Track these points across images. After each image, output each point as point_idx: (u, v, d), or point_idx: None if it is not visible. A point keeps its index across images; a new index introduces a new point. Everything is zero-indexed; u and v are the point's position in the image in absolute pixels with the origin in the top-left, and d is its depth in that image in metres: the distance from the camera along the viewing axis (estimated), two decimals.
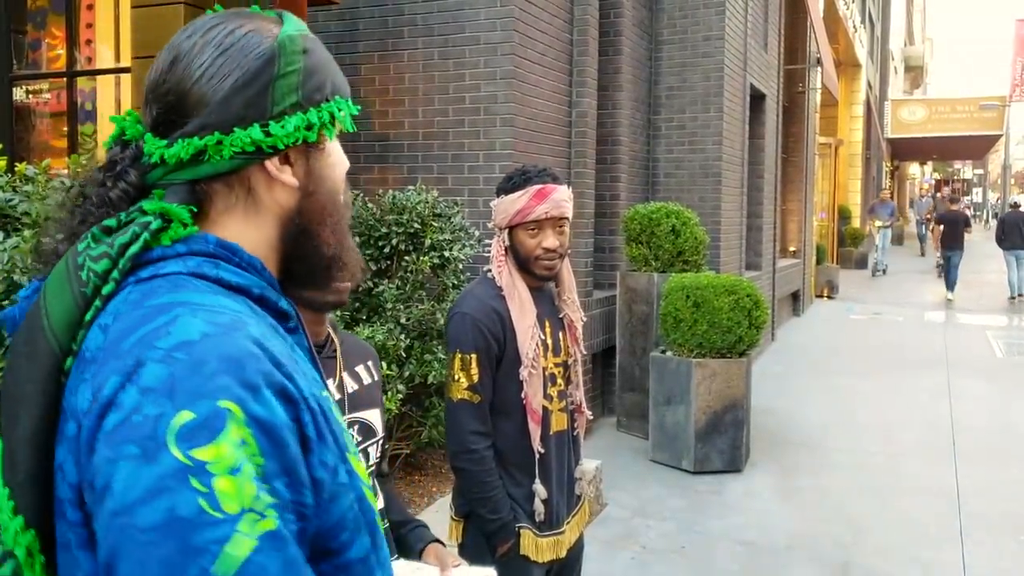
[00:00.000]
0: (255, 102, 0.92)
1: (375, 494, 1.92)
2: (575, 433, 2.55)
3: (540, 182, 2.32)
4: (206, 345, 0.80)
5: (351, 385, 1.89)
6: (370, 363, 1.99)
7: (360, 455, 1.87)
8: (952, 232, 16.11)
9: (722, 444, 5.82)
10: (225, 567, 0.74)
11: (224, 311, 0.86)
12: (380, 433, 1.95)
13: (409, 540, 2.01)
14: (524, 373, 2.32)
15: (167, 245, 0.91)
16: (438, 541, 2.03)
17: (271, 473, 0.80)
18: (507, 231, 2.37)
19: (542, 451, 2.37)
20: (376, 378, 1.99)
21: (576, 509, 2.56)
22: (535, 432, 2.35)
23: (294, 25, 0.98)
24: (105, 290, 0.88)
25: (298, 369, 0.90)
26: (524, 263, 2.36)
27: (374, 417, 1.94)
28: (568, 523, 2.50)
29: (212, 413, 0.77)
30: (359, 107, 1.04)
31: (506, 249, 2.38)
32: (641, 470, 5.84)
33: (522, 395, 2.33)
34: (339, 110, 1.00)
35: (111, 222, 0.92)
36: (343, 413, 1.84)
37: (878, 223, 19.97)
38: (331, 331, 1.89)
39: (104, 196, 0.94)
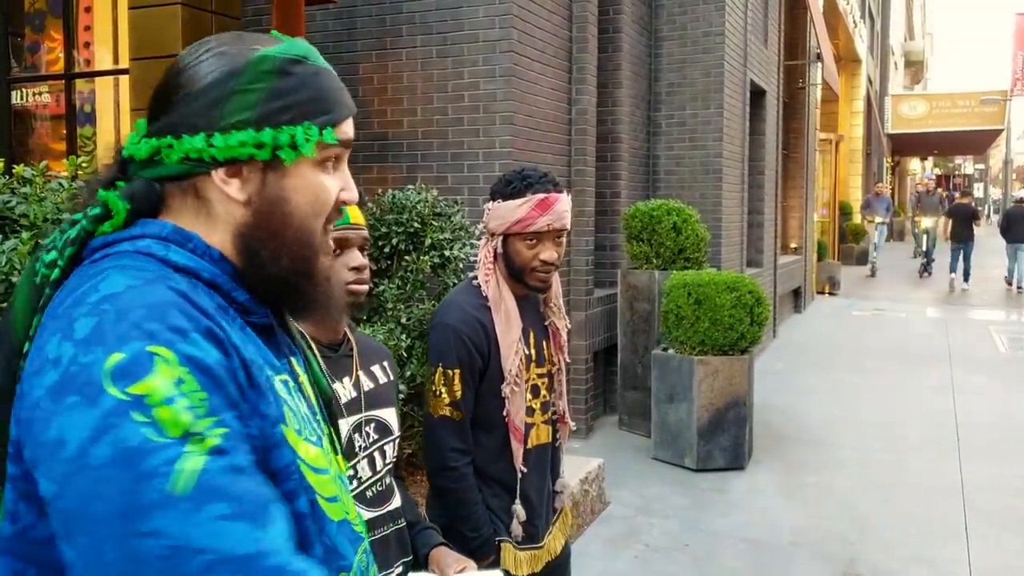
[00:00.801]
0: (206, 112, 0.96)
1: (392, 492, 1.94)
2: (557, 444, 2.46)
3: (542, 190, 2.19)
4: (130, 295, 0.86)
5: (367, 384, 1.92)
6: (386, 363, 2.01)
7: (378, 451, 1.90)
8: (961, 224, 16.65)
9: (725, 442, 5.80)
10: (180, 484, 0.79)
11: (148, 269, 0.92)
12: (396, 431, 1.96)
13: (416, 543, 2.01)
14: (507, 390, 2.24)
15: (120, 230, 0.98)
16: (444, 544, 2.02)
17: (217, 407, 0.85)
18: (500, 238, 2.24)
19: (524, 470, 2.30)
20: (391, 378, 2.01)
21: (555, 518, 2.49)
22: (517, 451, 2.27)
23: (285, 47, 1.00)
24: (52, 276, 0.95)
25: (241, 337, 0.95)
26: (517, 273, 2.24)
27: (390, 416, 1.95)
28: (550, 534, 2.44)
29: (139, 352, 0.82)
30: (336, 138, 1.02)
31: (495, 256, 2.27)
32: (643, 468, 5.82)
33: (503, 412, 2.26)
34: (306, 137, 0.99)
35: (78, 216, 0.99)
36: (360, 411, 1.87)
37: (878, 219, 19.20)
38: (348, 331, 1.93)
39: (95, 191, 1.01)
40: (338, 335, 1.90)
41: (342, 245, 1.86)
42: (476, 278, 2.30)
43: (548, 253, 2.22)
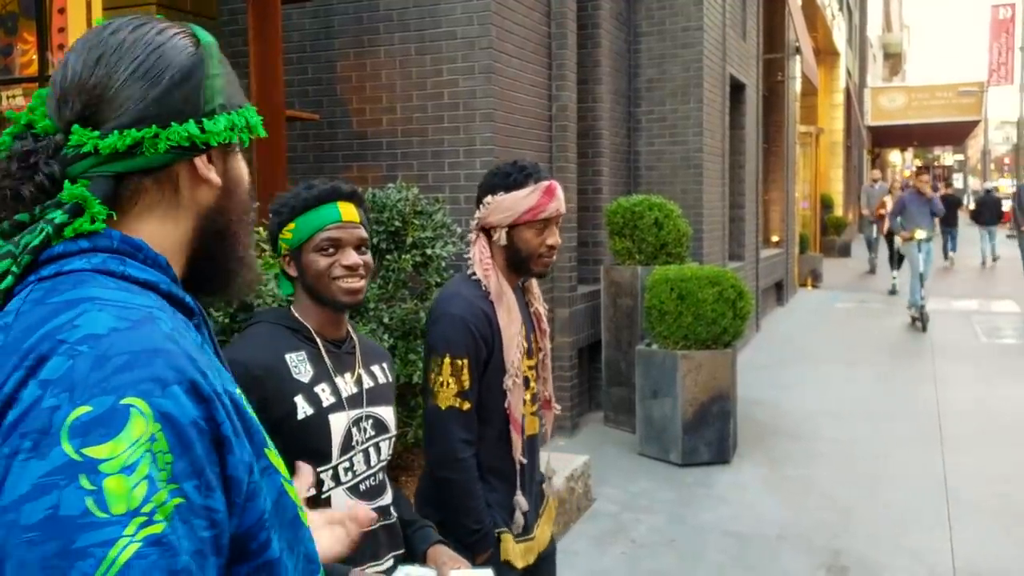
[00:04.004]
0: (191, 99, 0.95)
1: (384, 488, 1.98)
2: (543, 430, 2.49)
3: (543, 178, 2.27)
4: (113, 339, 0.79)
5: (368, 381, 1.97)
6: (385, 364, 2.07)
7: (373, 447, 1.92)
8: (948, 213, 17.93)
9: (709, 436, 5.81)
10: (106, 573, 0.71)
11: (134, 307, 0.85)
12: (393, 430, 2.00)
13: (414, 541, 2.03)
14: (509, 383, 2.26)
15: (70, 239, 0.90)
16: (442, 542, 2.05)
17: (180, 473, 0.77)
18: (505, 230, 2.28)
19: (524, 461, 2.32)
20: (390, 379, 2.06)
21: (542, 509, 2.50)
22: (517, 442, 2.29)
23: (207, 35, 1.02)
24: (2, 286, 0.87)
25: (210, 365, 0.88)
26: (524, 261, 2.30)
27: (387, 414, 2.00)
28: (538, 525, 2.45)
29: (111, 409, 0.75)
30: (260, 117, 1.07)
31: (492, 250, 2.31)
32: (629, 464, 5.82)
33: (505, 404, 2.27)
34: (251, 116, 1.03)
35: (23, 217, 0.90)
36: (361, 406, 1.92)
37: (921, 234, 17.61)
38: (350, 329, 2.00)
39: (16, 190, 0.91)
40: (342, 332, 1.96)
41: (335, 245, 1.88)
42: (473, 274, 2.32)
43: (554, 238, 2.31)
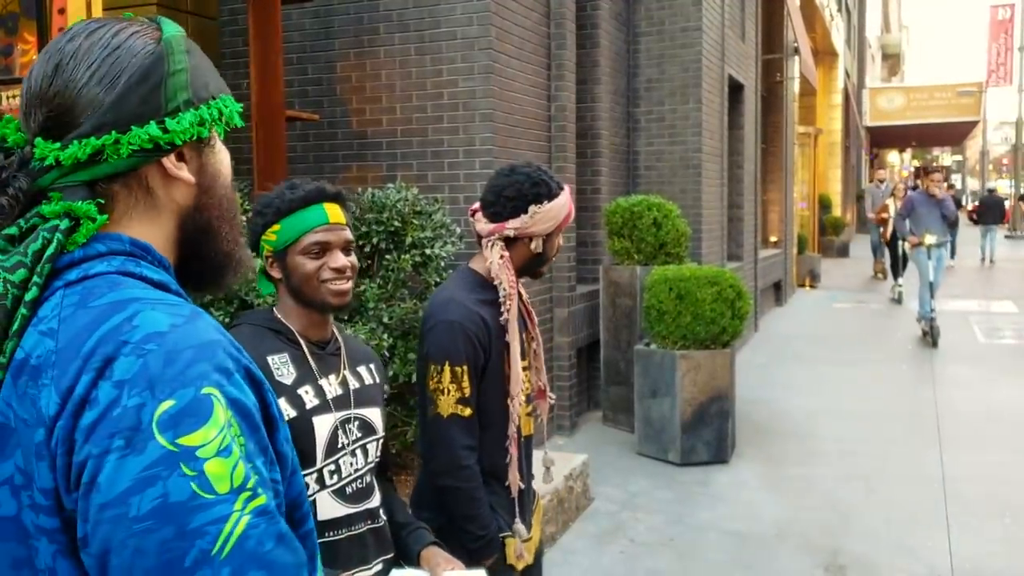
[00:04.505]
0: (149, 99, 0.93)
1: (372, 491, 1.97)
2: (539, 420, 2.49)
3: (559, 183, 2.31)
4: (176, 335, 0.82)
5: (353, 382, 1.95)
6: (372, 365, 2.04)
7: (360, 449, 1.92)
8: None
9: (708, 435, 5.82)
10: (224, 546, 0.77)
11: (179, 304, 0.89)
12: (380, 432, 1.98)
13: (408, 542, 2.02)
14: (515, 389, 2.26)
15: (85, 244, 0.91)
16: (436, 543, 2.03)
17: (252, 453, 0.83)
18: (543, 238, 2.28)
19: (522, 486, 2.33)
20: (377, 380, 2.03)
21: (534, 506, 2.50)
22: (514, 478, 2.30)
23: (173, 27, 1.00)
24: (28, 296, 0.87)
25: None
26: (542, 264, 2.35)
27: (374, 415, 1.97)
28: (531, 525, 2.44)
29: (194, 400, 0.79)
30: (240, 105, 1.04)
31: (512, 258, 2.29)
32: (628, 464, 5.84)
33: (502, 407, 2.27)
34: (225, 107, 1.01)
35: (12, 230, 0.91)
36: (348, 408, 1.91)
37: (931, 239, 14.12)
38: (335, 330, 1.97)
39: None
40: (327, 333, 1.94)
41: (323, 247, 1.86)
42: (474, 271, 2.31)
43: (561, 239, 2.39)
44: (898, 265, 13.82)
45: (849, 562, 4.35)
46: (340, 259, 1.86)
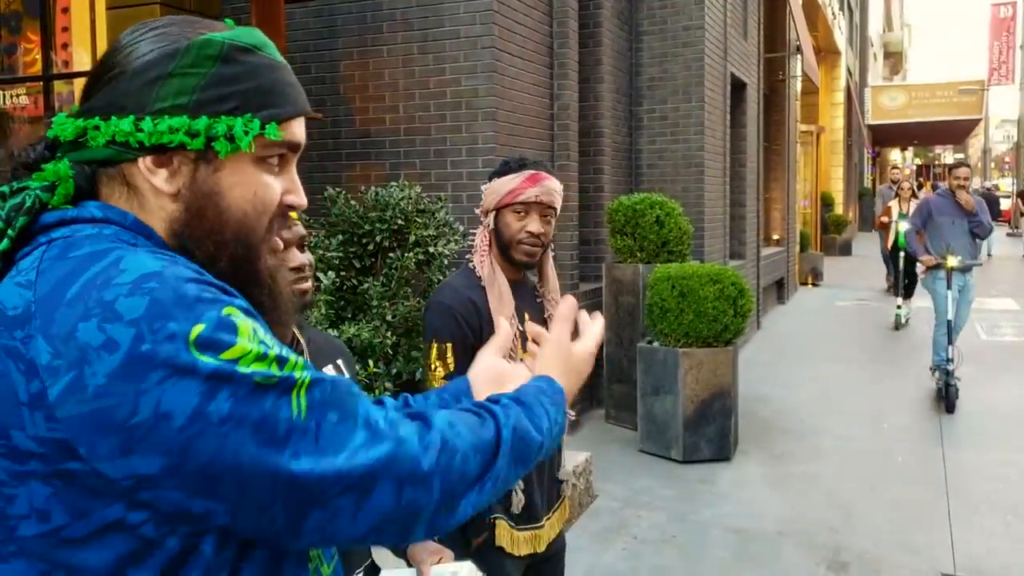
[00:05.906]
0: (137, 94, 0.90)
1: None
2: None
3: (536, 169, 2.35)
4: (170, 272, 0.82)
5: None
6: (340, 362, 2.00)
7: None
8: None
9: (711, 433, 5.83)
10: (302, 405, 0.84)
11: (158, 249, 0.89)
12: None
13: None
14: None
15: (80, 206, 0.91)
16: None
17: (277, 343, 0.89)
18: (493, 214, 2.36)
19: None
20: (346, 375, 1.97)
21: (556, 505, 2.50)
22: None
23: (235, 34, 0.94)
24: (0, 247, 0.88)
25: None
26: (505, 247, 2.35)
27: None
28: (548, 518, 2.44)
29: (219, 320, 0.82)
30: (280, 134, 0.95)
31: (490, 239, 2.37)
32: (631, 461, 5.85)
33: None
34: (245, 129, 0.92)
35: (4, 188, 0.91)
36: None
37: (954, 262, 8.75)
38: (296, 331, 1.89)
39: (17, 167, 0.95)
40: (286, 338, 1.86)
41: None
42: (470, 262, 2.39)
43: (535, 225, 2.34)
44: (899, 282, 11.16)
45: (852, 559, 4.36)
46: (298, 257, 1.81)
